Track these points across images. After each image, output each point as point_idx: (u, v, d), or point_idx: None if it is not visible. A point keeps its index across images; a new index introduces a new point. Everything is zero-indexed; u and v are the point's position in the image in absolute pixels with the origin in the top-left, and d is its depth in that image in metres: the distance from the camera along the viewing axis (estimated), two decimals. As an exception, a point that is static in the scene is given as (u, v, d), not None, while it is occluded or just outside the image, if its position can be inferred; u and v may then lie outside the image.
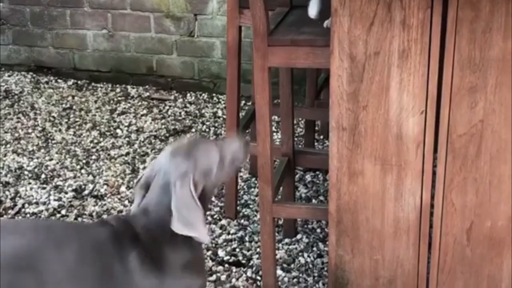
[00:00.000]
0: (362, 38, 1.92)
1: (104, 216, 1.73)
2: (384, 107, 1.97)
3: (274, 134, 3.54)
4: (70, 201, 3.04)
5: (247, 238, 2.76)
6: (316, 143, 3.48)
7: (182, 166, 1.77)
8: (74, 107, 4.13)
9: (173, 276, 1.77)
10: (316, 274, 2.54)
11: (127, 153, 3.52)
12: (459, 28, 1.85)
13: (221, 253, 2.65)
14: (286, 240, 2.75)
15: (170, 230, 1.72)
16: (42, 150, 3.56)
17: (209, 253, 2.64)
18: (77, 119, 3.95)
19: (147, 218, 1.78)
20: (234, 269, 2.55)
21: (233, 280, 2.49)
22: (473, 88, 1.90)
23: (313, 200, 3.04)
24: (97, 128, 3.83)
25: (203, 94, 4.37)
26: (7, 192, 3.12)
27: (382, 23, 1.89)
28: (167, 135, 3.74)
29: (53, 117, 3.98)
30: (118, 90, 4.43)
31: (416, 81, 1.93)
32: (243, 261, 2.60)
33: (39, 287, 1.61)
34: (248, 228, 2.83)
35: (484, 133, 1.94)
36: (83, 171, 3.34)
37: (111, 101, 4.24)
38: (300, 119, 3.68)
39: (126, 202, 3.03)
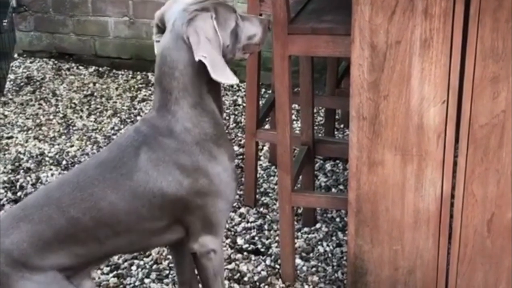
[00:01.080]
0: (383, 27, 1.90)
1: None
2: (405, 96, 1.96)
3: (294, 122, 3.53)
4: (90, 188, 3.05)
5: (266, 227, 2.76)
6: (336, 132, 3.47)
7: (201, 7, 1.72)
8: (95, 94, 4.15)
9: (205, 154, 1.76)
10: (335, 264, 2.53)
11: (147, 140, 3.53)
12: (482, 17, 1.83)
13: (240, 241, 2.65)
14: (305, 229, 2.74)
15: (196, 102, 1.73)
16: (63, 137, 3.58)
17: (228, 241, 2.64)
18: (98, 106, 3.97)
19: (157, 93, 1.76)
20: (253, 257, 2.55)
21: (252, 268, 2.49)
22: (496, 78, 1.88)
23: (333, 189, 3.03)
24: (118, 115, 3.85)
25: (224, 82, 4.36)
26: (28, 178, 3.14)
27: (404, 11, 1.88)
28: (187, 122, 3.74)
29: (74, 103, 4.00)
30: (138, 77, 4.43)
31: (437, 70, 1.91)
32: (262, 250, 2.60)
33: (74, 250, 1.72)
34: (267, 217, 2.82)
35: (506, 123, 1.91)
36: (103, 158, 3.35)
37: (132, 88, 4.25)
38: (320, 107, 3.66)
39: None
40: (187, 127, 1.75)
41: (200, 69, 1.71)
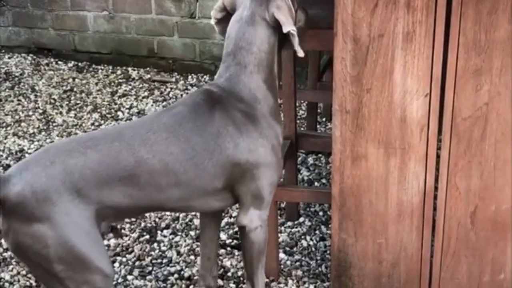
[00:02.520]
0: (366, 20, 1.90)
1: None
2: (388, 90, 1.95)
3: (276, 116, 3.52)
4: (71, 184, 3.02)
5: (249, 221, 2.74)
6: (318, 126, 3.46)
7: None
8: (75, 89, 4.11)
9: (267, 124, 1.88)
10: (318, 257, 2.53)
11: (129, 136, 3.50)
12: (464, 10, 1.83)
13: (223, 236, 2.64)
14: (289, 223, 2.74)
15: (260, 75, 1.88)
16: (43, 133, 3.54)
17: (211, 236, 2.62)
18: (78, 102, 3.93)
19: (232, 65, 1.88)
20: (236, 252, 2.54)
21: (235, 263, 2.48)
22: (478, 70, 1.88)
23: (316, 183, 3.03)
24: (98, 110, 3.81)
25: (205, 76, 4.35)
26: (8, 175, 3.11)
27: (386, 5, 1.87)
28: (169, 117, 3.72)
29: (54, 99, 3.96)
30: (119, 72, 4.40)
31: (420, 63, 1.91)
32: (246, 244, 2.59)
33: (129, 192, 1.74)
34: (250, 211, 2.81)
35: (489, 116, 1.92)
36: (84, 154, 3.32)
37: (112, 83, 4.22)
38: (302, 101, 3.66)
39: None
40: (257, 97, 1.88)
41: (273, 47, 1.90)
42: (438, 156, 2.01)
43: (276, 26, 1.87)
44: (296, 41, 1.83)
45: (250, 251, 1.97)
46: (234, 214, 2.79)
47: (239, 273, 2.43)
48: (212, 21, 1.99)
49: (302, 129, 3.40)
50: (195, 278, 2.39)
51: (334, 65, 1.97)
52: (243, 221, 1.93)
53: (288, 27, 1.83)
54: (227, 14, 1.95)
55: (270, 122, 1.90)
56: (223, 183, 1.85)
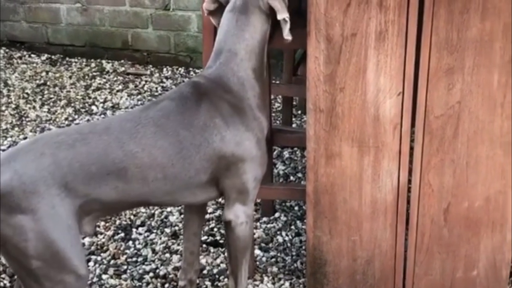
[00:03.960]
0: (338, 19, 1.89)
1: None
2: (361, 89, 1.95)
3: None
4: (45, 181, 2.99)
5: (225, 217, 2.74)
6: (294, 118, 3.46)
7: None
8: (48, 83, 4.07)
9: (253, 117, 1.88)
10: (294, 253, 2.54)
11: (103, 131, 3.47)
12: (436, 9, 1.83)
13: (199, 233, 2.63)
14: (264, 219, 2.74)
15: (248, 67, 1.87)
16: (16, 128, 3.50)
17: (186, 233, 2.62)
18: (52, 96, 3.89)
19: (222, 53, 1.87)
20: (212, 249, 2.54)
21: (211, 260, 2.48)
22: (451, 69, 1.89)
23: (291, 177, 3.04)
24: (72, 104, 3.78)
25: (180, 69, 4.33)
26: (-19, 173, 3.07)
27: (359, 4, 1.87)
28: (144, 111, 3.70)
29: (27, 93, 3.92)
30: (93, 65, 4.37)
31: (393, 62, 1.91)
32: (221, 241, 2.59)
33: (116, 185, 1.73)
34: (226, 207, 2.81)
35: (461, 114, 1.93)
36: (58, 149, 3.29)
37: (86, 77, 4.18)
38: (277, 95, 3.65)
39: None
40: (245, 87, 1.88)
41: (265, 34, 1.90)
42: (411, 154, 2.02)
43: (269, 13, 1.88)
44: (287, 28, 1.85)
45: (235, 246, 1.97)
46: (210, 210, 2.78)
47: (215, 270, 2.43)
48: (205, 13, 1.99)
49: (278, 122, 3.40)
50: (170, 276, 2.39)
51: (307, 64, 1.96)
52: (228, 216, 1.92)
53: (283, 14, 1.84)
54: (219, 6, 1.95)
55: (257, 114, 1.90)
56: (209, 176, 1.85)
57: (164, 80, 4.15)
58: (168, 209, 2.77)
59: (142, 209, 2.77)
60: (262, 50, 1.91)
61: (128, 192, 1.76)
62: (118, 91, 3.97)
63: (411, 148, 2.01)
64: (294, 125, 3.43)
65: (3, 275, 2.39)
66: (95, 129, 1.76)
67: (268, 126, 2.01)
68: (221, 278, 2.39)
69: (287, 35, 1.85)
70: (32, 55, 4.48)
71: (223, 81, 1.87)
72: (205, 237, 2.61)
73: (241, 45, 1.87)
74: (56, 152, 1.67)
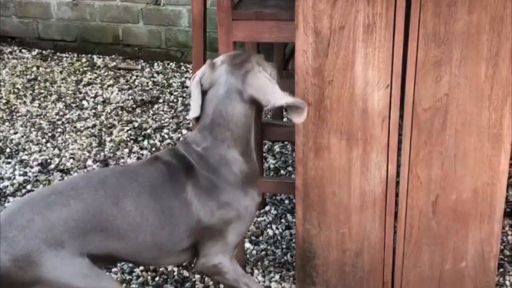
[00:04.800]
0: (326, 12, 1.90)
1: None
2: (349, 82, 1.96)
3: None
4: (36, 176, 3.00)
5: (215, 211, 2.75)
6: (284, 113, 3.46)
7: (247, 66, 1.86)
8: (39, 78, 4.06)
9: (241, 192, 1.89)
10: (284, 246, 2.54)
11: (94, 125, 3.48)
12: (424, 2, 1.84)
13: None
14: (255, 212, 2.74)
15: (233, 144, 1.86)
16: (7, 124, 3.50)
17: (177, 227, 2.62)
18: (42, 91, 3.89)
19: (208, 138, 1.87)
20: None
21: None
22: (438, 62, 1.89)
23: (282, 171, 3.04)
24: (63, 99, 3.78)
25: (171, 63, 4.32)
26: (-29, 168, 3.08)
27: (346, -3, 1.87)
28: (134, 106, 3.70)
29: (18, 88, 3.91)
30: (84, 60, 4.36)
31: (381, 55, 1.92)
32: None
33: (107, 242, 1.72)
34: (217, 201, 2.81)
35: (449, 106, 1.94)
36: (48, 144, 3.29)
37: (77, 72, 4.17)
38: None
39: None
40: (233, 170, 1.88)
41: (250, 120, 1.88)
42: (399, 147, 2.03)
43: (254, 100, 1.86)
44: (294, 113, 1.86)
45: (228, 280, 1.95)
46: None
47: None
48: (197, 97, 1.93)
49: (268, 116, 3.40)
50: (161, 269, 2.39)
51: (295, 58, 1.97)
52: (207, 264, 1.90)
53: (280, 100, 1.84)
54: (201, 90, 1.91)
55: (246, 188, 1.90)
56: (189, 243, 1.87)
57: (155, 75, 4.15)
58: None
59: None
60: (248, 134, 1.90)
61: (120, 248, 1.76)
62: (109, 86, 3.97)
63: (399, 141, 2.02)
64: (284, 119, 3.44)
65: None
66: (90, 184, 1.76)
67: (260, 194, 2.01)
68: (211, 271, 2.39)
69: (297, 120, 1.86)
70: (23, 50, 4.47)
71: (211, 162, 1.87)
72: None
73: (226, 135, 1.86)
74: (48, 214, 1.66)
